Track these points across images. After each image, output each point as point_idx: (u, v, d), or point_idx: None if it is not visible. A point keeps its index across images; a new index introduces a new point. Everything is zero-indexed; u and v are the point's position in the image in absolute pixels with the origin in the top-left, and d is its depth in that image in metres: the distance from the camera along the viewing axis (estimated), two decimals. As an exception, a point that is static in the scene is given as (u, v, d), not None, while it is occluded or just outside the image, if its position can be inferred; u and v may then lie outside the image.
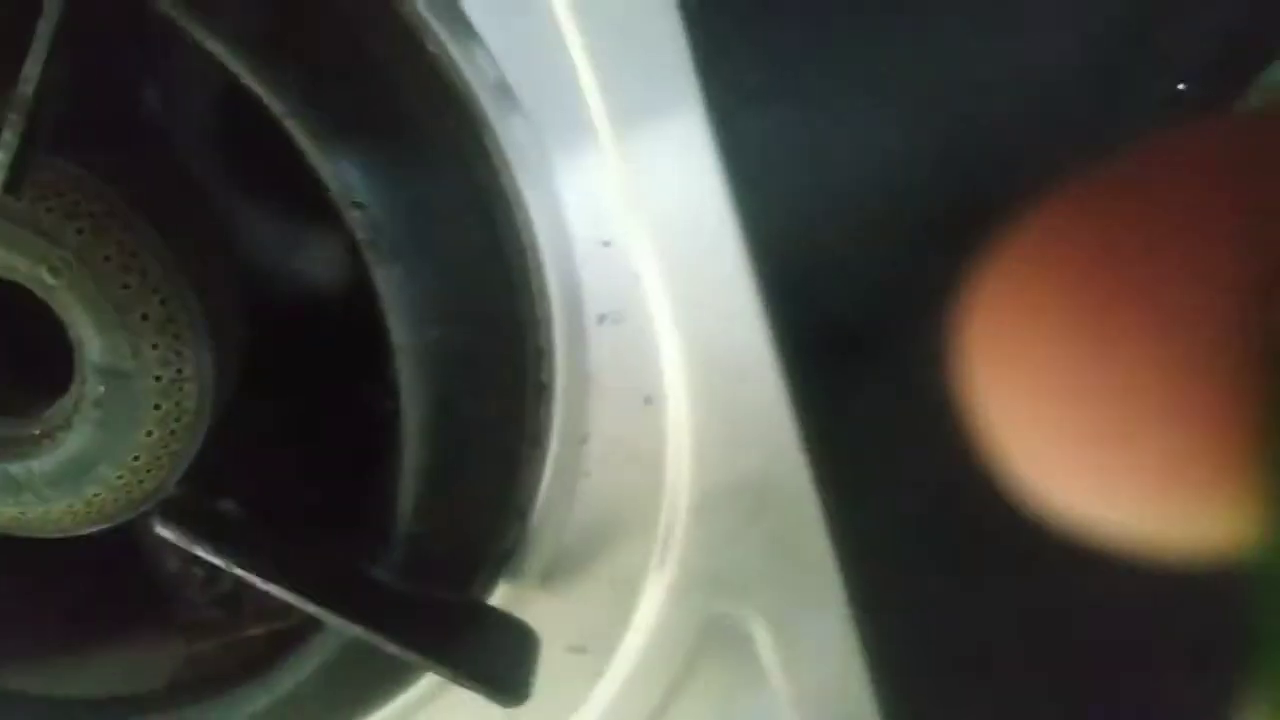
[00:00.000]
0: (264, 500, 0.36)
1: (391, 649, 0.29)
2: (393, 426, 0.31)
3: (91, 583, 0.39)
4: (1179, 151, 0.09)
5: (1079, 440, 0.08)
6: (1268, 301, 0.08)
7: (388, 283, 0.28)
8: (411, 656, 0.29)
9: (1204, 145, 0.09)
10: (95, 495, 0.31)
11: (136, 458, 0.30)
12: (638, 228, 0.30)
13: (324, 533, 0.35)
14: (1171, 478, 0.08)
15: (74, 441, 0.30)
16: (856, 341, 0.47)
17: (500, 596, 0.34)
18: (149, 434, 0.30)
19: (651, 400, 0.32)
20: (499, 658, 0.31)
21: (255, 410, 0.37)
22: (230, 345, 0.33)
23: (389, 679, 0.33)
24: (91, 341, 0.29)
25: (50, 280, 0.28)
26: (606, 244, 0.31)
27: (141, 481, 0.31)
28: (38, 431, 0.31)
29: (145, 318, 0.29)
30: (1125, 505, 0.08)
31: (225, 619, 0.38)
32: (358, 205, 0.27)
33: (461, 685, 0.30)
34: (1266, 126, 0.09)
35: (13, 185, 0.27)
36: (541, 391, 0.32)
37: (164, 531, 0.28)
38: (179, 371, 0.30)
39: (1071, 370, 0.08)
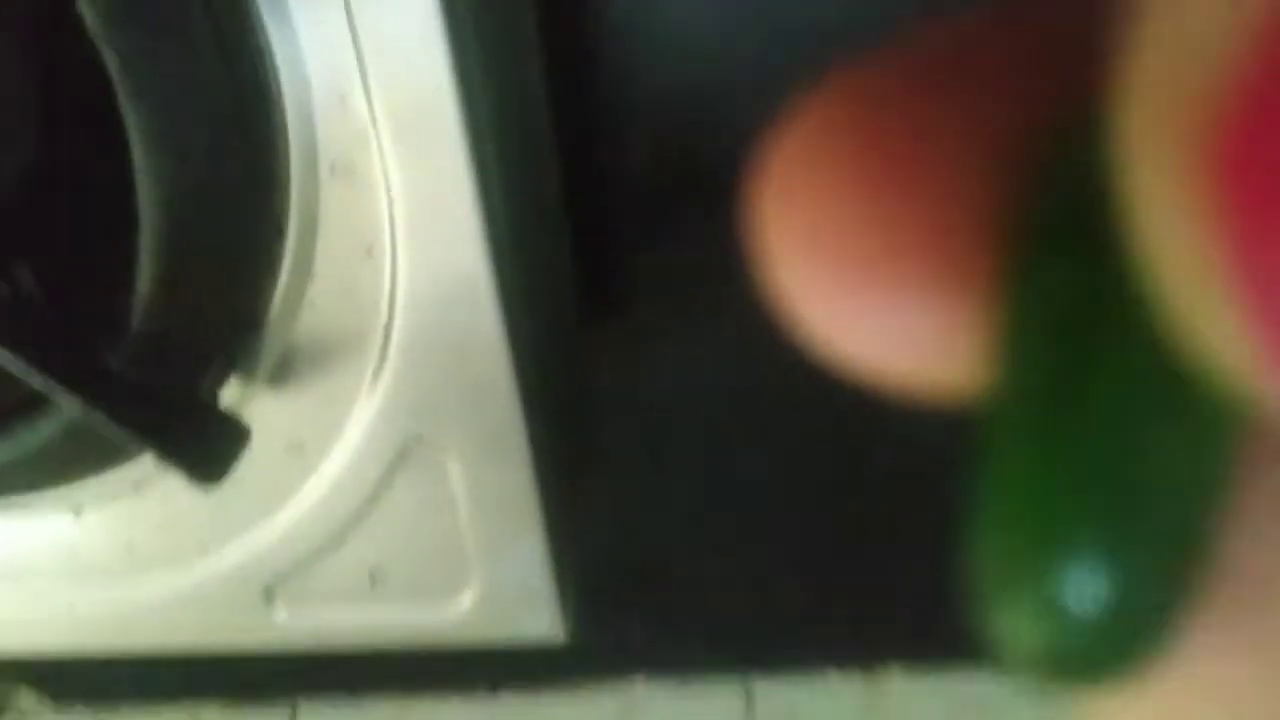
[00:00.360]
0: (52, 272, 0.41)
1: (103, 424, 0.34)
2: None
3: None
4: (961, 31, 0.09)
5: (850, 286, 0.09)
6: (1019, 166, 0.09)
7: (133, 116, 0.32)
8: (120, 433, 0.34)
9: (979, 28, 0.09)
10: None
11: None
12: (370, 87, 0.34)
13: (87, 313, 0.39)
14: (923, 323, 0.09)
15: None
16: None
17: (230, 394, 0.39)
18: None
19: (372, 252, 0.36)
20: (206, 445, 0.36)
21: (57, 185, 0.40)
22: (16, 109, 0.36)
23: (116, 452, 0.38)
24: None
25: None
26: (342, 99, 0.34)
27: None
28: None
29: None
30: (887, 345, 0.09)
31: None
32: (111, 45, 0.31)
33: (164, 464, 0.35)
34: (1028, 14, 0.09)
35: None
36: (275, 226, 0.36)
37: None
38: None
39: (848, 225, 0.09)
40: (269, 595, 0.42)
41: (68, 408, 0.34)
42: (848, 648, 0.61)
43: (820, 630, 0.60)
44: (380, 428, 0.39)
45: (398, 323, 0.37)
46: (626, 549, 0.55)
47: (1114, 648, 0.08)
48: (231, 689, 0.68)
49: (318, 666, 0.52)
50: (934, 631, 0.59)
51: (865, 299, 0.09)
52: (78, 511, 0.42)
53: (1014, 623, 0.08)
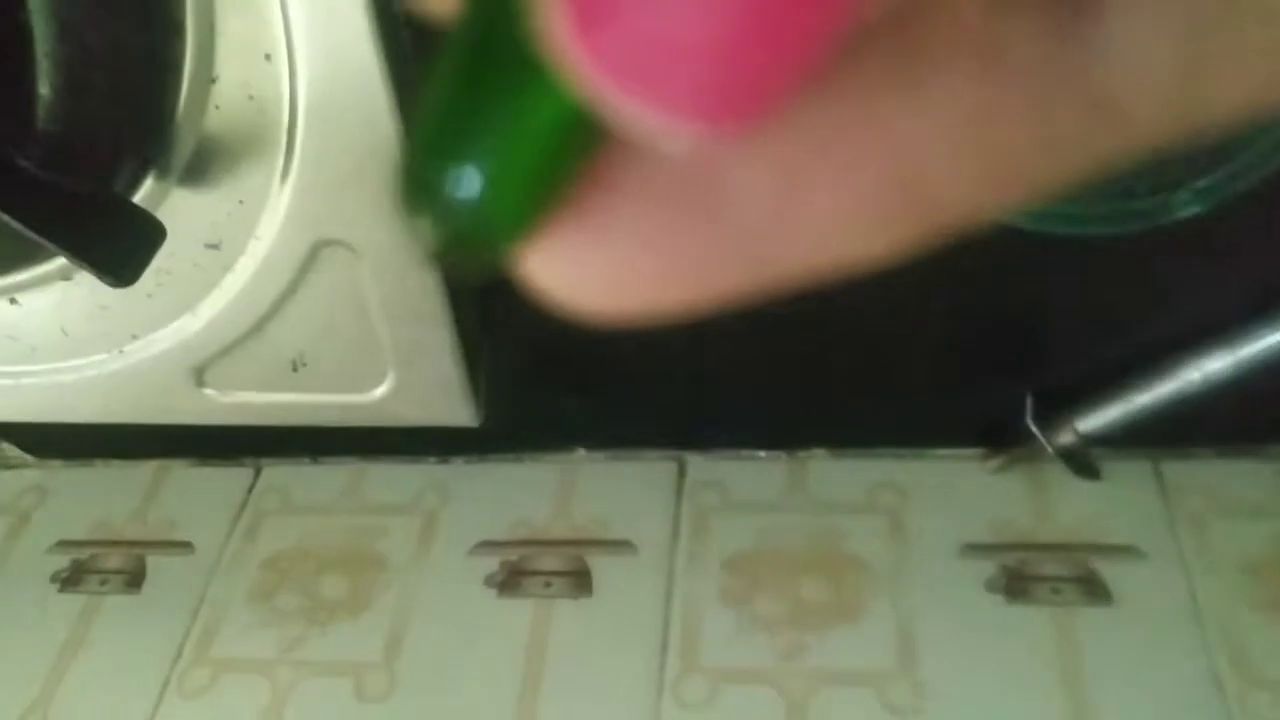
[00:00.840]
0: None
1: (17, 226, 0.36)
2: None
3: None
4: None
5: None
6: None
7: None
8: (33, 236, 0.36)
9: None
10: None
11: None
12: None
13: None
14: None
15: None
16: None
17: (147, 195, 0.40)
18: None
19: (270, 58, 0.37)
20: (118, 245, 0.37)
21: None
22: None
23: (34, 247, 0.40)
24: None
25: None
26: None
27: None
28: None
29: None
30: None
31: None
32: None
33: (76, 265, 0.36)
34: None
35: None
36: (174, 29, 0.36)
37: None
38: None
39: None
40: (199, 378, 0.45)
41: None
42: (775, 434, 0.64)
43: (750, 416, 0.63)
44: (290, 227, 0.40)
45: (300, 126, 0.38)
46: (563, 336, 0.57)
47: (488, 230, 0.10)
48: (199, 448, 0.72)
49: (280, 432, 0.55)
50: (856, 420, 0.62)
51: None
52: (13, 300, 0.44)
53: (421, 214, 0.11)
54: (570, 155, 0.10)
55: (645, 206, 0.11)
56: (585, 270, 0.11)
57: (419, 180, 0.11)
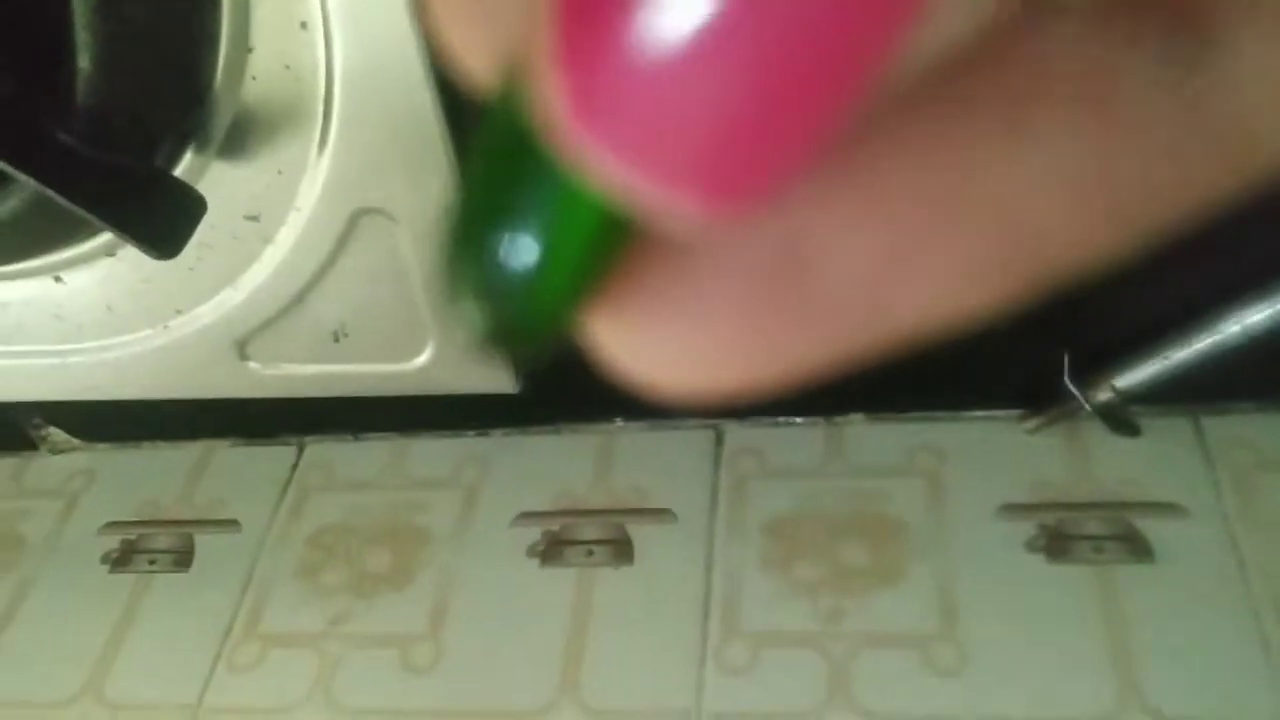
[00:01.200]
0: None
1: (61, 201, 0.36)
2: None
3: None
4: None
5: None
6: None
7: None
8: (73, 208, 0.36)
9: None
10: None
11: None
12: None
13: (36, 92, 0.40)
14: None
15: None
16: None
17: (187, 168, 0.41)
18: None
19: (306, 26, 0.37)
20: (162, 218, 0.38)
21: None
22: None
23: (78, 224, 0.41)
24: None
25: None
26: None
27: None
28: None
29: None
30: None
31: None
32: None
33: (121, 239, 0.37)
34: None
35: None
36: (211, 0, 0.37)
37: None
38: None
39: None
40: (241, 351, 0.46)
41: (24, 183, 0.36)
42: (812, 400, 0.64)
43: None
44: (330, 197, 0.41)
45: (337, 95, 0.38)
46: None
47: (541, 307, 0.10)
48: (243, 428, 0.73)
49: (322, 409, 0.56)
50: (892, 384, 0.62)
51: None
52: (58, 278, 0.44)
53: (465, 294, 0.10)
54: (632, 226, 0.10)
55: (728, 279, 0.10)
56: (668, 350, 0.10)
57: (465, 253, 0.10)
